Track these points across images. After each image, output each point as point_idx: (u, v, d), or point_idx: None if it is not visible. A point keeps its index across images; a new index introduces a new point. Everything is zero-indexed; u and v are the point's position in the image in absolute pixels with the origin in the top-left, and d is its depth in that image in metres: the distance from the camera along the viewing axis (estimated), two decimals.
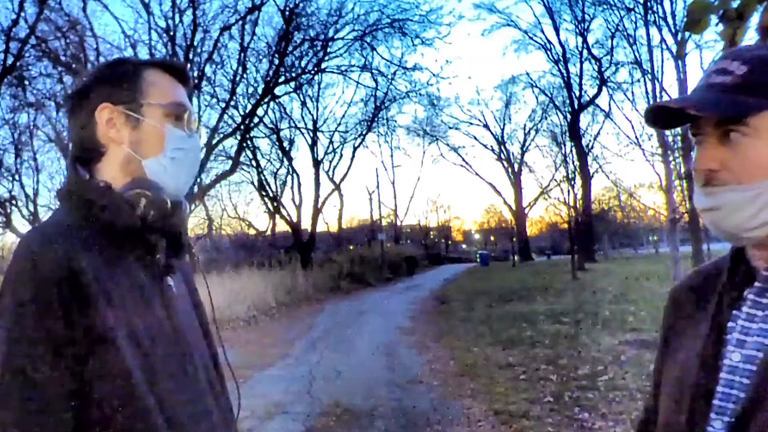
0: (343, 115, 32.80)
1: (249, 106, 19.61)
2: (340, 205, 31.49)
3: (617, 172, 74.87)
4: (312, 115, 25.55)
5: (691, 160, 0.83)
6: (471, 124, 39.43)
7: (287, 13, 18.08)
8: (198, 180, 16.89)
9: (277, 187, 25.67)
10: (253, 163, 24.38)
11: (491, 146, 41.19)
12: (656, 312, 8.74)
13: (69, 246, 0.90)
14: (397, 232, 43.26)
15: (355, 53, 21.32)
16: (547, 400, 5.32)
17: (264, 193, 25.56)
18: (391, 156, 46.90)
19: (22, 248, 0.90)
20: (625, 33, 19.51)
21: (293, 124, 25.27)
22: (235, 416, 1.14)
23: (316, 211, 25.35)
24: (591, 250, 31.88)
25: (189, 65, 15.22)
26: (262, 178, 24.81)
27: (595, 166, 29.91)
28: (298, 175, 26.00)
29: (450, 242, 62.29)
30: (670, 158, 11.62)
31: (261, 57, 19.39)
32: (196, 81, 15.81)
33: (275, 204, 25.69)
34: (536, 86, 34.43)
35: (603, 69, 27.69)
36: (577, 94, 30.83)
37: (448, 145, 39.90)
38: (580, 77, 30.53)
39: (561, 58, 30.90)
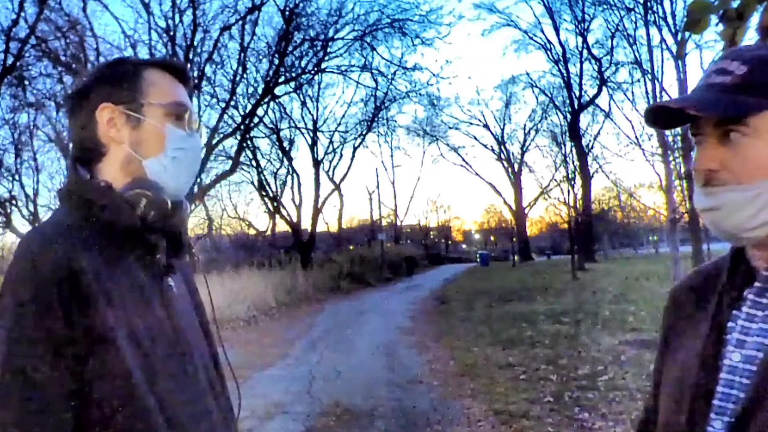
0: (343, 115, 32.88)
1: (249, 106, 19.65)
2: (340, 205, 31.56)
3: (617, 172, 74.99)
4: (312, 115, 25.60)
5: (691, 160, 0.83)
6: (471, 124, 39.49)
7: (287, 13, 18.09)
8: (198, 180, 16.88)
9: (277, 187, 25.72)
10: (253, 163, 24.43)
11: (491, 146, 41.25)
12: (656, 312, 8.73)
13: (69, 246, 0.90)
14: (397, 232, 43.26)
15: (355, 53, 21.37)
16: (547, 400, 5.32)
17: (264, 193, 25.59)
18: (391, 156, 47.01)
19: (22, 248, 0.90)
20: (625, 33, 19.55)
21: (293, 124, 25.31)
22: (235, 416, 1.14)
23: (316, 211, 25.37)
24: (591, 250, 31.89)
25: (189, 65, 15.23)
26: (262, 178, 24.85)
27: (595, 166, 29.98)
28: (298, 175, 26.06)
29: (450, 242, 62.29)
30: (670, 158, 11.62)
31: (261, 57, 19.43)
32: (196, 81, 15.82)
33: (275, 204, 25.70)
34: (536, 86, 34.50)
35: (603, 69, 27.75)
36: (577, 94, 30.88)
37: (448, 145, 39.97)
38: (580, 77, 30.59)
39: (561, 58, 30.96)
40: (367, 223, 39.08)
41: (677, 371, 0.87)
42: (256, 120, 20.61)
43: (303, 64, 20.23)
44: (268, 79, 18.85)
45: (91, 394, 0.88)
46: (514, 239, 42.57)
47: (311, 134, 25.71)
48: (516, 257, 38.50)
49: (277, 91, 20.36)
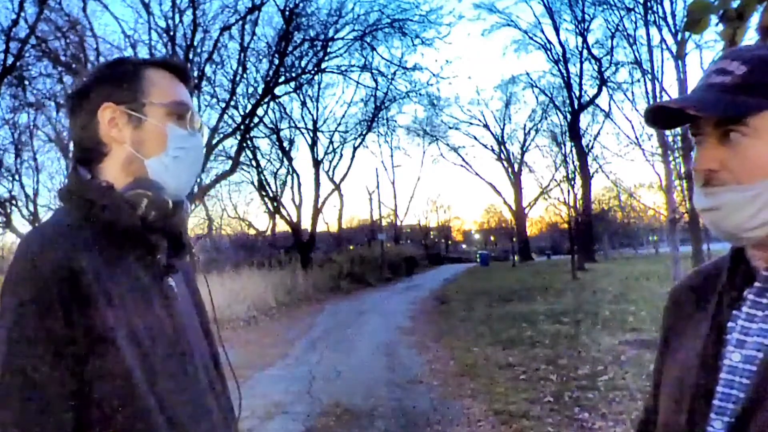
0: (343, 115, 32.88)
1: (249, 106, 19.62)
2: (340, 205, 31.56)
3: (617, 172, 75.05)
4: (312, 115, 25.60)
5: (691, 160, 0.83)
6: (471, 124, 39.54)
7: (287, 13, 18.08)
8: (198, 180, 16.88)
9: (277, 187, 25.72)
10: (253, 163, 24.42)
11: (491, 146, 41.29)
12: (656, 312, 8.74)
13: (69, 246, 0.90)
14: (397, 232, 43.26)
15: (355, 53, 21.35)
16: (547, 400, 5.32)
17: (264, 193, 25.59)
18: (391, 156, 47.03)
19: (23, 248, 0.90)
20: (625, 33, 19.52)
21: (293, 124, 25.31)
22: (235, 416, 1.14)
23: (316, 211, 25.37)
24: (591, 250, 31.89)
25: (189, 65, 15.21)
26: (262, 178, 24.85)
27: (595, 166, 29.99)
28: (298, 175, 26.06)
29: (450, 242, 62.30)
30: (670, 158, 11.62)
31: (261, 57, 19.40)
32: (196, 81, 15.81)
33: (275, 204, 25.70)
34: (536, 86, 34.52)
35: (603, 69, 27.75)
36: (577, 94, 30.88)
37: (448, 145, 40.00)
38: (580, 77, 30.59)
39: (561, 58, 30.96)
40: (367, 223, 39.10)
41: (677, 371, 0.87)
42: (256, 120, 20.62)
43: (303, 64, 20.25)
44: (268, 79, 18.85)
45: (91, 394, 0.88)
46: (514, 239, 42.58)
47: (311, 134, 25.76)
48: (516, 257, 38.51)
49: (277, 91, 20.37)
